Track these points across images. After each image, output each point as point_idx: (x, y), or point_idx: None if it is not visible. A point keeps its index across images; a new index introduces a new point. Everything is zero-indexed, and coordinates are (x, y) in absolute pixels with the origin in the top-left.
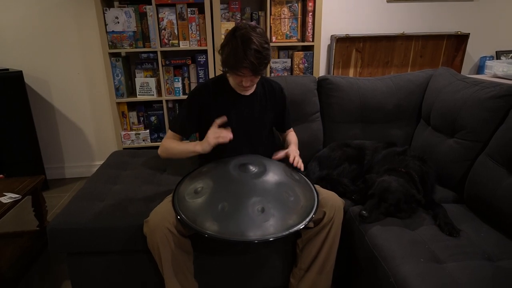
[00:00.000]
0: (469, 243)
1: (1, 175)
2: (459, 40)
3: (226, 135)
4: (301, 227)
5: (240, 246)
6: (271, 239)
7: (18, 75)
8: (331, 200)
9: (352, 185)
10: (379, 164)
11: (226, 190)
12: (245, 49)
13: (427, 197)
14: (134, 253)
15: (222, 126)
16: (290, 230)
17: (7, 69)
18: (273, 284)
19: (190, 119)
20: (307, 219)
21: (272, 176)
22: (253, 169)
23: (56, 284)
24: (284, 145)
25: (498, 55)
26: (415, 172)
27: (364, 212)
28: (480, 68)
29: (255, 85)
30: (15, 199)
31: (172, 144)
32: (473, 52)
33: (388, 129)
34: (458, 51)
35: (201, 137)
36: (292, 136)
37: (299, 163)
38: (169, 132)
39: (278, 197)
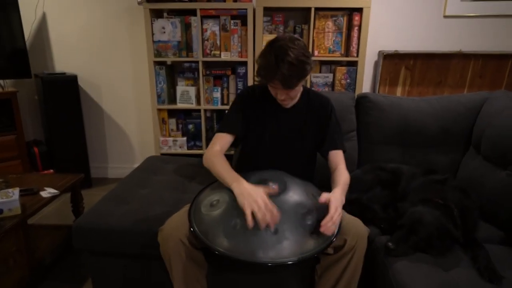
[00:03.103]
0: None
1: (51, 170)
2: None
3: (275, 216)
4: (315, 254)
5: (250, 266)
6: (288, 262)
7: (73, 79)
8: (355, 227)
9: (382, 213)
10: (415, 192)
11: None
12: (278, 60)
13: (467, 235)
14: (151, 258)
15: (257, 141)
16: (303, 255)
17: (64, 73)
18: None
19: (240, 116)
20: (323, 246)
21: (292, 196)
22: (273, 186)
23: (81, 278)
24: (331, 180)
25: None
26: (454, 205)
27: (390, 244)
28: None
29: (296, 99)
30: (53, 195)
31: (218, 162)
32: None
33: (430, 154)
34: None
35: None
36: (341, 174)
37: (329, 227)
38: (216, 136)
39: (294, 219)
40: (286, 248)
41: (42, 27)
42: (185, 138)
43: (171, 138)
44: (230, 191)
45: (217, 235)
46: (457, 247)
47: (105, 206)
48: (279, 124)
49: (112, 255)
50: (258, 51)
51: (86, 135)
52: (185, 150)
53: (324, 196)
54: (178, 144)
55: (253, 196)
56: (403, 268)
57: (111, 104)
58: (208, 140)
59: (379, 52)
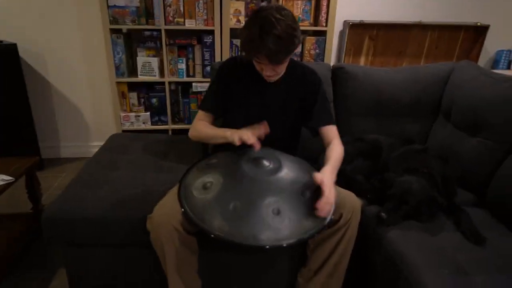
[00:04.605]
0: (496, 254)
1: None
2: (478, 32)
3: (256, 144)
4: (315, 233)
5: (250, 250)
6: (284, 245)
7: (13, 48)
8: (349, 201)
9: (366, 183)
10: (396, 162)
11: (238, 187)
12: (263, 33)
13: (449, 200)
14: (135, 246)
15: (242, 116)
16: (305, 236)
17: (1, 41)
18: (280, 283)
19: (220, 95)
20: (326, 221)
21: (288, 173)
22: (268, 164)
23: (51, 271)
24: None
25: None
26: (437, 173)
27: (383, 214)
28: (496, 62)
29: (282, 73)
30: (7, 182)
31: (205, 129)
32: (489, 45)
33: (404, 124)
34: (475, 44)
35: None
36: (332, 150)
37: (325, 208)
38: (200, 113)
39: (295, 197)
40: (287, 228)
41: None
42: (148, 113)
43: (133, 114)
44: (223, 172)
45: (215, 218)
46: (440, 213)
47: (77, 192)
48: (264, 98)
49: (90, 245)
50: (225, 20)
51: (32, 112)
52: (149, 126)
53: (317, 178)
54: (142, 120)
55: (243, 131)
56: (397, 237)
57: (60, 77)
58: (174, 114)
59: (345, 22)
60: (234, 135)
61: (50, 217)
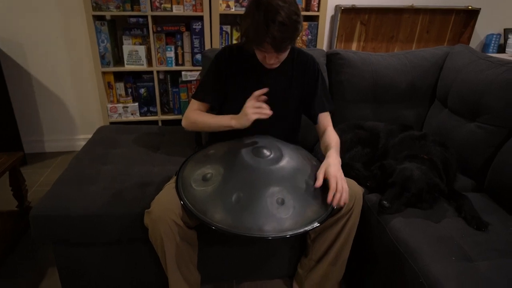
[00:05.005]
0: (499, 239)
1: None
2: (468, 16)
3: (267, 111)
4: (321, 223)
5: (254, 241)
6: (288, 235)
7: None
8: (351, 189)
9: (366, 171)
10: (396, 148)
11: (240, 178)
12: (267, 21)
13: (449, 186)
14: (131, 243)
15: (240, 106)
16: (309, 226)
17: None
18: (279, 274)
19: (217, 85)
20: (329, 210)
21: (289, 162)
22: (269, 153)
23: (41, 269)
24: (321, 144)
25: (506, 33)
26: (438, 159)
27: (385, 202)
28: (485, 46)
29: (282, 60)
30: None
31: (201, 117)
32: (479, 29)
33: (400, 109)
34: (466, 27)
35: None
36: (331, 136)
37: (342, 198)
38: (193, 102)
39: (298, 186)
40: (291, 218)
41: None
42: (136, 104)
43: (120, 105)
44: (223, 162)
45: (217, 211)
46: (441, 199)
47: (66, 189)
48: (263, 86)
49: (82, 244)
50: (214, 5)
51: (13, 105)
52: (138, 117)
53: (319, 176)
54: (130, 111)
55: (247, 109)
56: (400, 225)
57: (41, 68)
58: (163, 105)
59: (336, 6)
60: (244, 120)
61: (39, 215)
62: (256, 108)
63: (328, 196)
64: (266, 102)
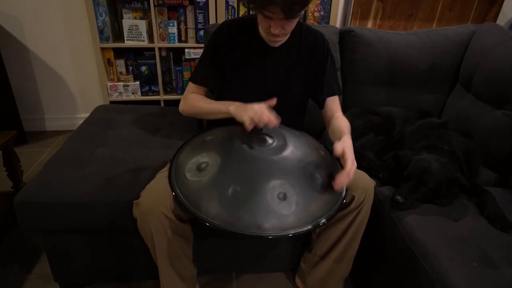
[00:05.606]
0: None
1: None
2: None
3: (272, 121)
4: (327, 221)
5: (252, 239)
6: (290, 234)
7: None
8: (362, 181)
9: (378, 161)
10: (412, 137)
11: (238, 169)
12: None
13: (471, 181)
14: (123, 231)
15: (240, 87)
16: (313, 224)
17: None
18: (280, 267)
19: (215, 66)
20: (336, 207)
21: (294, 151)
22: (271, 142)
23: (32, 255)
24: (328, 130)
25: None
26: (459, 151)
27: (399, 198)
28: None
29: (287, 36)
30: None
31: (199, 102)
32: (507, 7)
33: (416, 94)
34: (492, 6)
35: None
36: (341, 120)
37: (342, 183)
38: (190, 85)
39: (302, 180)
40: (294, 214)
41: None
42: (138, 83)
43: (121, 83)
44: (220, 151)
45: (212, 205)
46: (461, 195)
47: (54, 174)
48: (265, 66)
49: (72, 232)
50: None
51: (10, 81)
52: (139, 97)
53: (338, 148)
54: (131, 90)
55: (255, 106)
56: (415, 223)
57: (38, 42)
58: (166, 84)
59: None
60: (243, 115)
61: (23, 201)
62: (264, 113)
63: (340, 175)
64: (269, 82)
